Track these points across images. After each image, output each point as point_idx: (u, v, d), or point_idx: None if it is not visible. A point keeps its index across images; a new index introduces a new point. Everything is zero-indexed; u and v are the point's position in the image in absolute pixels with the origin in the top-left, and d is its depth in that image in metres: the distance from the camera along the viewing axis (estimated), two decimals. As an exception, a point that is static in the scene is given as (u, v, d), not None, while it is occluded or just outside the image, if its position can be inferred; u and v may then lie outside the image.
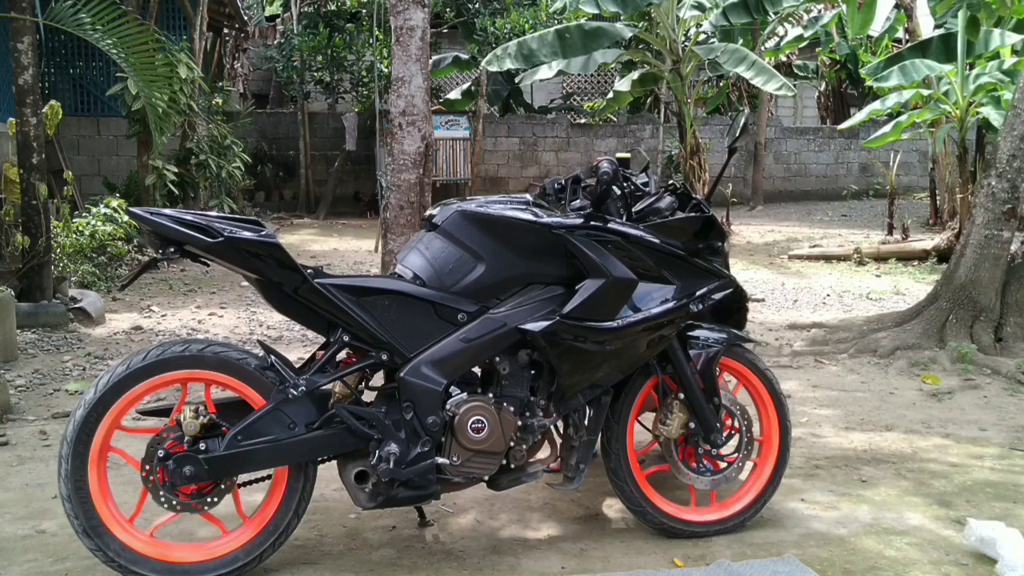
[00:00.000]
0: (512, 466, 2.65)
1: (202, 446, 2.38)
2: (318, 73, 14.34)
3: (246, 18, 15.92)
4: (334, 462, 2.60)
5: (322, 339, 2.58)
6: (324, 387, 2.51)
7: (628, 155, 2.86)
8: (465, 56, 14.08)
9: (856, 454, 3.65)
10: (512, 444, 2.59)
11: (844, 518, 2.98)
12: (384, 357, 2.51)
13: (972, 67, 9.64)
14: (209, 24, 12.02)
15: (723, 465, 2.86)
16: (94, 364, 5.11)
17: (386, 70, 11.79)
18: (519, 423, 2.59)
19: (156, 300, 7.22)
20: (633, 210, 2.76)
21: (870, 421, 4.10)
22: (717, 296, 2.77)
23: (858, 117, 11.19)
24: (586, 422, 2.72)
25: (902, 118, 10.23)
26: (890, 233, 10.90)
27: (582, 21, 11.07)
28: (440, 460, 2.51)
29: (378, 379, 2.69)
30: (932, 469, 3.47)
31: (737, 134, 2.88)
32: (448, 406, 2.52)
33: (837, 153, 17.15)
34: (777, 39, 14.23)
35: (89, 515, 2.35)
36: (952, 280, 5.35)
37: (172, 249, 2.33)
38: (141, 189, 9.36)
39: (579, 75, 16.53)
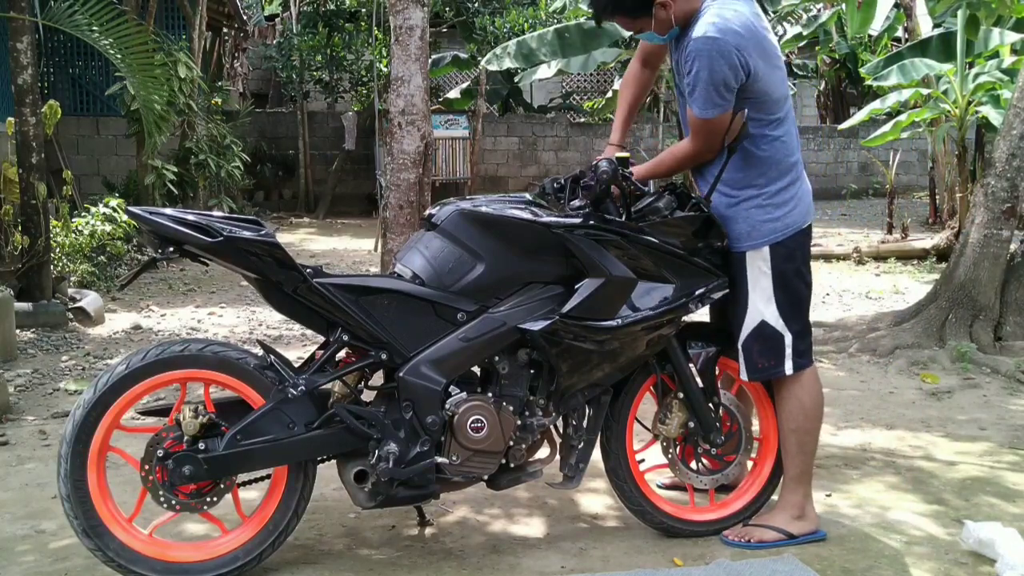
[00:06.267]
0: (511, 465, 2.65)
1: (201, 445, 2.38)
2: (317, 72, 14.33)
3: (245, 17, 15.89)
4: (333, 461, 2.60)
5: (321, 338, 2.58)
6: (323, 386, 2.51)
7: (627, 154, 2.85)
8: (464, 55, 14.07)
9: (855, 453, 3.66)
10: (511, 443, 2.59)
11: (843, 517, 2.98)
12: (383, 356, 2.51)
13: (971, 66, 9.62)
14: (208, 23, 12.01)
15: (722, 464, 2.86)
16: (93, 364, 5.10)
17: (385, 69, 11.77)
18: (518, 422, 2.59)
19: (155, 300, 7.22)
20: (632, 209, 2.75)
21: (869, 420, 4.10)
22: (716, 295, 2.77)
23: (858, 116, 11.15)
24: (585, 422, 2.72)
25: (901, 117, 10.20)
26: (889, 232, 10.88)
27: (581, 20, 11.06)
28: (439, 459, 2.50)
29: (377, 378, 2.69)
30: (932, 468, 3.47)
31: (736, 133, 2.86)
32: (447, 405, 2.52)
33: (836, 152, 17.12)
34: (776, 37, 14.21)
35: (88, 515, 2.35)
36: (951, 279, 5.35)
37: (171, 248, 2.33)
38: (140, 188, 9.35)
39: (578, 74, 16.49)
